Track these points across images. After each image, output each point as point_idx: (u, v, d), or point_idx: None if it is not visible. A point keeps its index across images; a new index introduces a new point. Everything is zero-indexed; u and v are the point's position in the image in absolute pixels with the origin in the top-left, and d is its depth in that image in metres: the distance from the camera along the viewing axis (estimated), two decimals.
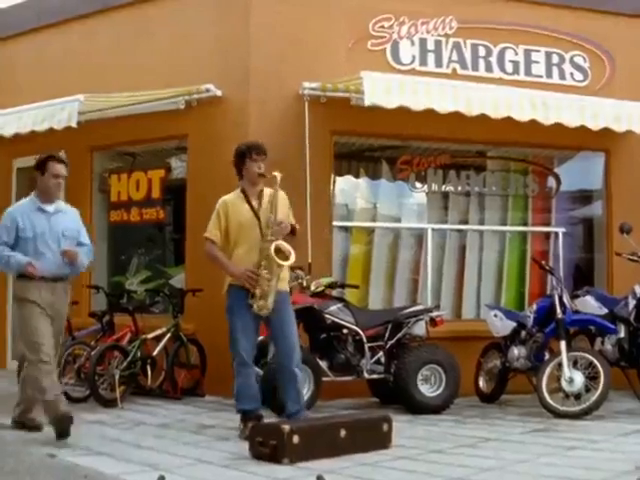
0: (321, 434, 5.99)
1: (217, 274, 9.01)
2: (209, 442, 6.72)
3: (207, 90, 9.62)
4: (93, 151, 11.00)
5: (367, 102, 8.35)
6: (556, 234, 10.88)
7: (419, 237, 10.52)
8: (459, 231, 10.76)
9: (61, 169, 6.94)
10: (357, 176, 10.50)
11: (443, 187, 10.57)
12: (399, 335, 8.58)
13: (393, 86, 8.53)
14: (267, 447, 5.81)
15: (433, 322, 8.74)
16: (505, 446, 6.58)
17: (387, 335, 8.56)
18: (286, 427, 5.78)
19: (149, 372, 8.99)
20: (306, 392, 7.62)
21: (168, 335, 9.28)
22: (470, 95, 8.77)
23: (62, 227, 6.93)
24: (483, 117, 9.03)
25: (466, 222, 10.79)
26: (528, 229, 10.95)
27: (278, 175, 6.75)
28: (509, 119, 9.12)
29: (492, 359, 9.34)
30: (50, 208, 6.91)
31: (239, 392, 6.87)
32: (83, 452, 6.12)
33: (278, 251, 6.56)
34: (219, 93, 9.66)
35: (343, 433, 6.06)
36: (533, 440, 6.85)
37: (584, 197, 11.49)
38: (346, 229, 10.25)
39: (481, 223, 10.82)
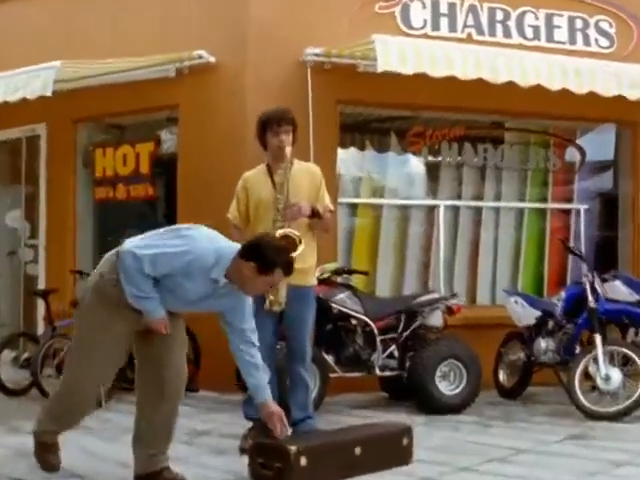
0: (333, 454, 5.18)
1: None
2: (202, 456, 5.92)
3: (199, 56, 8.77)
4: (76, 123, 10.12)
5: (380, 68, 7.49)
6: (577, 211, 10.11)
7: (430, 214, 9.71)
8: (474, 208, 9.92)
9: (281, 279, 5.00)
10: (364, 149, 9.66)
11: (457, 161, 9.74)
12: (414, 326, 7.78)
13: (408, 51, 7.65)
14: (270, 470, 5.00)
15: (450, 311, 7.93)
16: (540, 460, 5.77)
17: (401, 326, 7.75)
18: (292, 448, 4.96)
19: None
20: (312, 390, 6.78)
21: None
22: (495, 61, 7.88)
23: (212, 306, 5.01)
24: (501, 86, 8.16)
25: (481, 198, 9.96)
26: (548, 206, 10.14)
27: (288, 150, 5.91)
28: (530, 88, 8.24)
29: (514, 351, 8.55)
30: (222, 282, 4.81)
31: (248, 395, 6.05)
32: (58, 475, 5.26)
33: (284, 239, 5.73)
34: (212, 60, 8.81)
35: (358, 451, 5.25)
36: (571, 452, 6.05)
37: (607, 170, 10.66)
38: (352, 206, 9.42)
39: (497, 199, 9.98)
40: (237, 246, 4.82)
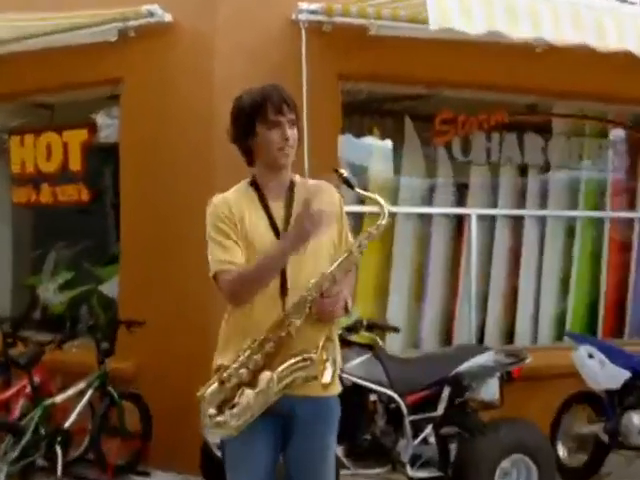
0: None
1: (168, 284, 6.44)
2: None
3: (150, 13, 6.69)
4: None
5: (435, 26, 5.05)
6: None
7: (459, 226, 7.61)
8: (513, 218, 7.80)
9: None
10: (373, 140, 7.69)
11: (492, 157, 7.58)
12: (460, 401, 5.47)
13: (473, 1, 5.25)
14: None
15: (508, 376, 5.64)
16: None
17: (441, 402, 5.43)
18: None
19: (59, 455, 5.79)
20: None
21: (90, 392, 6.15)
22: (602, 20, 5.48)
23: None
24: (545, 54, 6.50)
25: (522, 206, 7.84)
26: (606, 215, 8.05)
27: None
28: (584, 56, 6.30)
29: (583, 420, 6.41)
30: None
31: None
32: None
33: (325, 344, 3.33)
34: (168, 18, 6.70)
35: None
36: None
37: None
38: (356, 216, 7.05)
39: (542, 206, 7.89)
40: None
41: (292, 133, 3.47)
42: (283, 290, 3.34)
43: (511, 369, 5.59)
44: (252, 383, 3.27)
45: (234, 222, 3.44)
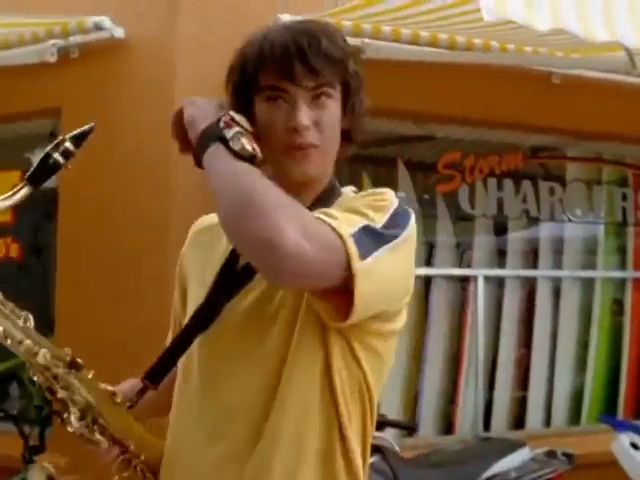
0: None
1: (114, 358, 4.96)
2: None
3: (97, 27, 5.47)
4: None
5: (490, 16, 3.86)
6: None
7: (463, 289, 6.51)
8: (524, 279, 6.74)
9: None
10: (362, 188, 6.20)
11: (499, 210, 6.56)
12: None
13: None
14: None
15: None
16: None
17: None
18: None
19: None
20: None
21: None
22: None
23: None
24: (562, 87, 5.92)
25: (534, 265, 6.78)
26: (628, 275, 7.04)
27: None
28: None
29: None
30: None
31: None
32: None
33: None
34: (120, 33, 5.49)
35: None
36: None
37: None
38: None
39: (557, 266, 6.83)
40: None
41: (316, 115, 1.92)
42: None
43: (556, 473, 4.45)
44: None
45: (183, 271, 2.22)
